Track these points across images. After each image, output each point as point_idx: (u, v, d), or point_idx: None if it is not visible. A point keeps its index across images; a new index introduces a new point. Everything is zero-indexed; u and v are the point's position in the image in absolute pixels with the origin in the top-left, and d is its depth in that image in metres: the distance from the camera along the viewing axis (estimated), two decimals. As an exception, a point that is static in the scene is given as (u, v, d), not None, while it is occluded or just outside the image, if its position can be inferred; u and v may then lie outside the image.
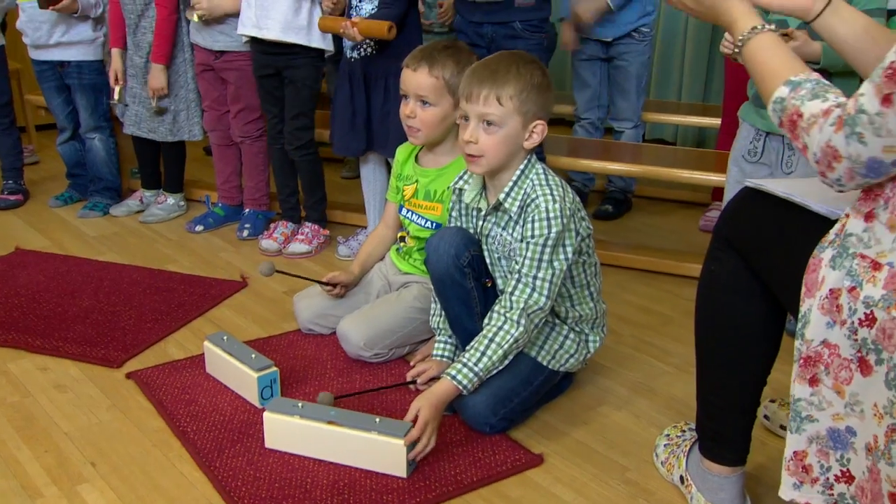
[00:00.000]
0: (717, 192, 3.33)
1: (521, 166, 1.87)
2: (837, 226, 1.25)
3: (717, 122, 3.43)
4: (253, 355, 2.01)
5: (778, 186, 1.47)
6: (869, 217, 1.18)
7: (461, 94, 1.86)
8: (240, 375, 2.00)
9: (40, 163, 4.25)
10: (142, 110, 3.27)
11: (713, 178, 2.76)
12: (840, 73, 2.15)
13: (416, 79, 2.16)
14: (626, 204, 3.51)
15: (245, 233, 3.19)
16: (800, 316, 1.23)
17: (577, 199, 1.91)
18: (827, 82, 1.25)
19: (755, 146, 2.37)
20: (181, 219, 3.42)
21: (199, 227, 3.27)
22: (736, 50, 1.39)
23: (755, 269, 1.49)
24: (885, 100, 1.07)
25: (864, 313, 1.13)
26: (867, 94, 1.11)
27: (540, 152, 1.98)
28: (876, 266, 1.14)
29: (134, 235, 3.23)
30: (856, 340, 1.15)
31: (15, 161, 3.62)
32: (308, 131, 2.98)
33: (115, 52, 3.26)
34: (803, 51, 2.13)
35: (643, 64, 3.32)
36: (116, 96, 3.28)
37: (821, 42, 2.13)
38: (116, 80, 3.27)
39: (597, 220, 3.38)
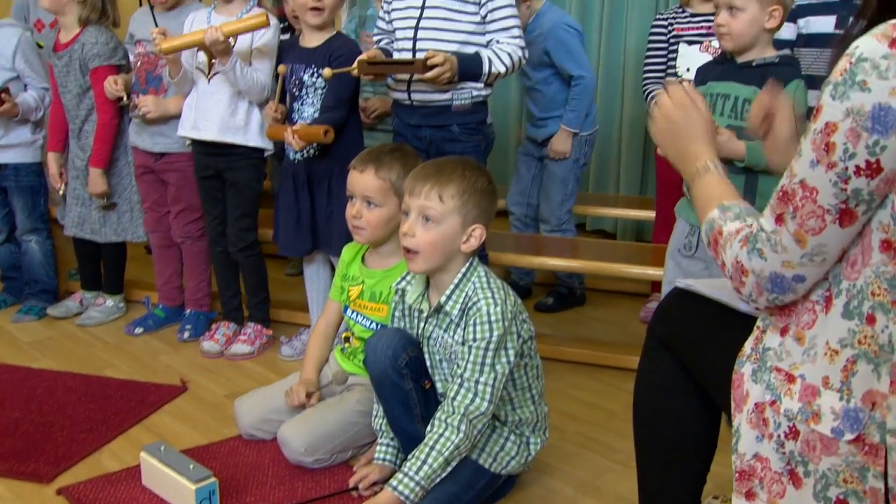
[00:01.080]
0: (657, 283, 3.37)
1: (463, 269, 1.88)
2: (752, 340, 1.29)
3: (653, 214, 3.50)
4: (191, 465, 1.95)
5: (706, 287, 1.50)
6: (784, 331, 1.25)
7: (406, 189, 1.89)
8: (177, 487, 1.94)
9: (-24, 265, 4.15)
10: (84, 211, 3.24)
11: (650, 272, 2.80)
12: (762, 171, 2.23)
13: (363, 180, 2.19)
14: (570, 298, 3.52)
15: (186, 334, 3.13)
16: (733, 430, 1.25)
17: (519, 301, 1.93)
18: (754, 210, 1.32)
19: (690, 241, 2.42)
20: (120, 321, 3.35)
21: (139, 330, 3.20)
22: (689, 180, 1.43)
23: (688, 368, 1.50)
24: (778, 219, 1.18)
25: (788, 426, 1.15)
26: (766, 215, 1.21)
27: (482, 249, 2.01)
28: (790, 379, 1.19)
29: (70, 340, 3.15)
30: (784, 454, 1.16)
31: (-53, 267, 3.54)
32: (252, 232, 2.98)
33: (52, 155, 3.26)
34: (728, 148, 2.21)
35: (569, 168, 3.35)
36: (61, 192, 3.28)
37: (745, 141, 2.21)
38: (56, 181, 3.27)
39: (539, 313, 3.40)
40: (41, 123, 3.35)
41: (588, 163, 3.51)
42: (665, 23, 3.14)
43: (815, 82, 2.36)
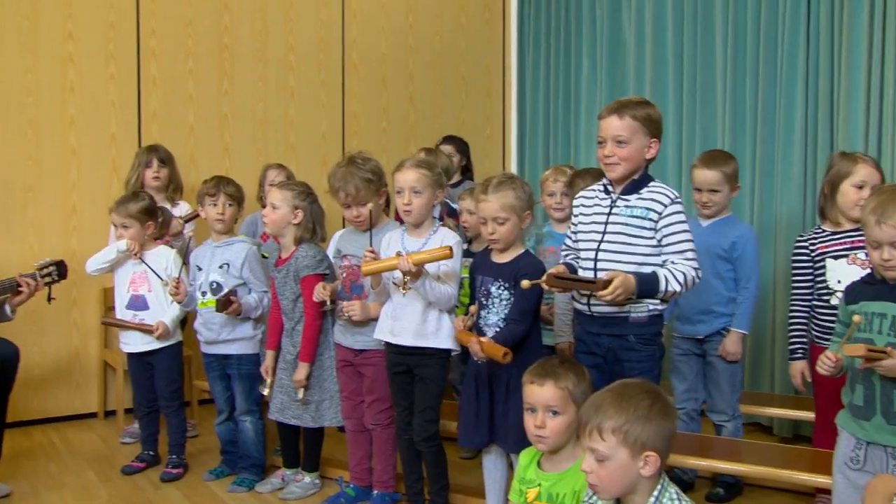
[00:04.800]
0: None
1: (656, 493, 1.81)
2: None
3: (811, 415, 3.26)
4: None
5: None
6: None
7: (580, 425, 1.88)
8: None
9: (199, 436, 4.32)
10: (286, 399, 3.36)
11: (818, 479, 2.57)
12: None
13: (545, 392, 2.20)
14: (736, 487, 3.32)
15: (373, 514, 3.12)
16: None
17: None
18: None
19: (857, 454, 2.23)
20: (316, 496, 3.39)
21: (332, 507, 3.22)
22: None
23: None
24: None
25: None
26: None
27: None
28: None
29: (274, 513, 3.21)
30: None
31: (180, 438, 3.73)
32: (434, 424, 3.00)
33: (270, 353, 3.42)
34: None
35: (736, 363, 3.24)
36: (267, 391, 3.40)
37: None
38: (267, 374, 3.41)
39: (709, 504, 3.20)
40: (260, 320, 3.56)
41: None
42: (806, 244, 3.08)
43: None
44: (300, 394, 3.30)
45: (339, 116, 5.18)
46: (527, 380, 2.24)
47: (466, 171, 4.73)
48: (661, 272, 2.52)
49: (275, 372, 3.40)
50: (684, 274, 2.52)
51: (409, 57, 5.39)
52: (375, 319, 3.09)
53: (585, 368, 2.31)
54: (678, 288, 2.51)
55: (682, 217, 2.59)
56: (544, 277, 2.54)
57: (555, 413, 2.18)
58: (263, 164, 4.53)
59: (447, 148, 4.65)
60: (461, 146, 4.73)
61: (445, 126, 5.36)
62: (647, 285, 2.50)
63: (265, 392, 3.41)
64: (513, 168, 5.65)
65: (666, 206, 2.56)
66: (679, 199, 2.62)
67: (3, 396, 3.31)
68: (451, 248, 2.76)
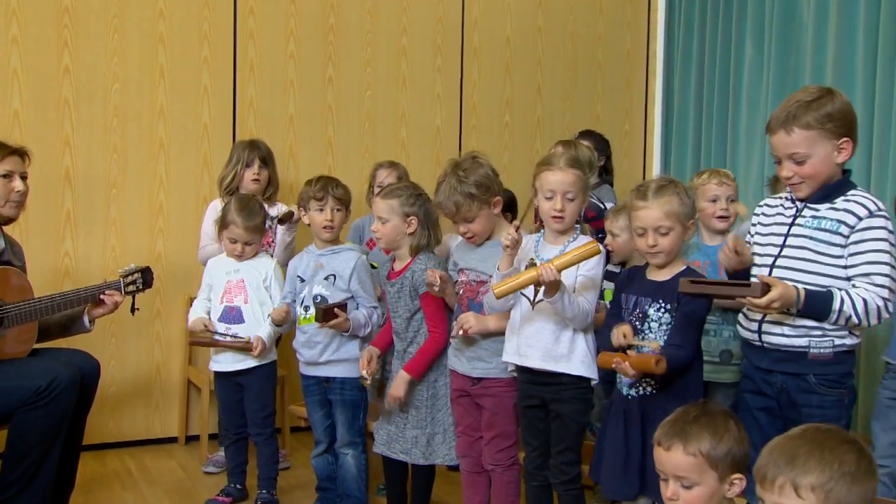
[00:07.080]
0: None
1: None
2: None
3: None
4: None
5: None
6: None
7: (756, 476, 1.68)
8: None
9: (291, 468, 4.26)
10: (393, 430, 3.27)
11: None
12: None
13: (672, 459, 1.98)
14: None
15: (490, 569, 2.96)
16: None
17: None
18: None
19: None
20: (424, 546, 3.25)
21: (443, 560, 3.07)
22: None
23: None
24: None
25: None
26: None
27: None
28: None
29: (376, 563, 3.08)
30: None
31: (271, 471, 3.68)
32: (575, 466, 2.87)
33: (371, 348, 3.34)
34: None
35: None
36: (369, 381, 3.30)
37: None
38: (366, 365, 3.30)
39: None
40: (368, 340, 3.47)
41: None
42: None
43: None
44: (387, 407, 3.21)
45: (457, 109, 5.09)
46: (654, 439, 2.04)
47: (605, 173, 4.55)
48: (838, 292, 2.36)
49: (383, 372, 3.36)
50: (866, 302, 2.34)
51: (537, 40, 5.26)
52: (495, 334, 2.97)
53: (734, 421, 2.07)
54: (854, 317, 2.34)
55: (882, 234, 2.40)
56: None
57: (687, 484, 1.96)
58: (370, 161, 4.51)
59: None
60: (600, 143, 4.57)
61: (577, 121, 5.22)
62: (815, 303, 2.35)
63: (366, 383, 3.33)
64: (655, 171, 5.45)
65: (862, 218, 2.40)
66: (883, 213, 2.43)
67: (80, 417, 3.30)
68: (597, 244, 2.68)
